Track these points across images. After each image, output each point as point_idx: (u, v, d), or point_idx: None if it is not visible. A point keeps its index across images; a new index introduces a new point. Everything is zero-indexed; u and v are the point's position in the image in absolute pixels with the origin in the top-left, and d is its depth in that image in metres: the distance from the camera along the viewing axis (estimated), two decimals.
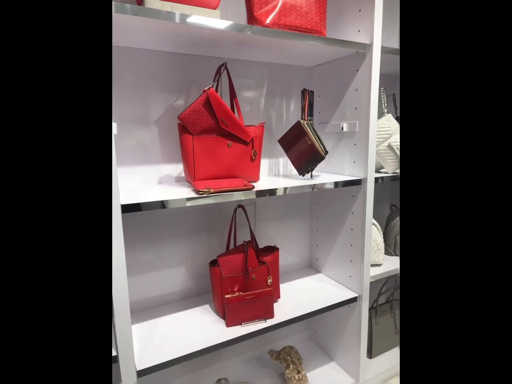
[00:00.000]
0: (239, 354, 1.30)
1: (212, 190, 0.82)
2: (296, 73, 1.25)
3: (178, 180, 1.08)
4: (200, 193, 0.81)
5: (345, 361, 1.25)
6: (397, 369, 1.32)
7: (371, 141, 1.04)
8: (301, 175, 1.08)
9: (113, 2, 0.65)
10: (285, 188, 0.93)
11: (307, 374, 1.24)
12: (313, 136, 1.02)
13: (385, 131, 1.17)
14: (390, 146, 1.17)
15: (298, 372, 1.13)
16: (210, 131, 0.92)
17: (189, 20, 0.74)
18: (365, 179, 1.07)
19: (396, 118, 1.40)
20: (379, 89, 1.27)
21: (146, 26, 0.76)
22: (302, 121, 1.04)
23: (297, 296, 1.14)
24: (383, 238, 1.37)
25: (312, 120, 1.06)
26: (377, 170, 1.28)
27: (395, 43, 1.44)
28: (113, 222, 0.69)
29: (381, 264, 1.27)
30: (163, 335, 0.92)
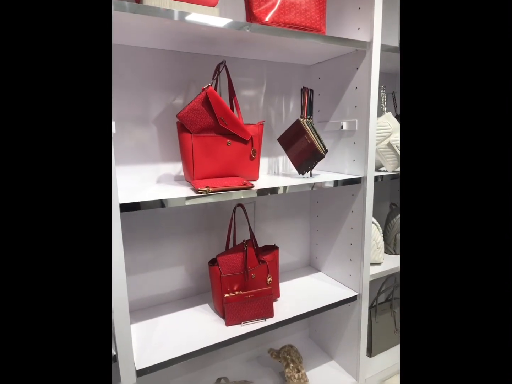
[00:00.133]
0: (238, 353, 1.30)
1: (211, 189, 0.82)
2: (295, 72, 1.25)
3: (177, 179, 1.08)
4: (199, 191, 0.81)
5: (345, 359, 1.25)
6: (397, 367, 1.32)
7: (370, 140, 1.03)
8: (301, 174, 1.07)
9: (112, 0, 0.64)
10: (285, 187, 0.92)
11: (307, 373, 1.24)
12: (312, 135, 1.01)
13: (385, 129, 1.17)
14: (390, 145, 1.17)
15: (298, 371, 1.13)
16: (209, 129, 0.92)
17: (188, 18, 0.74)
18: (364, 178, 1.06)
19: (396, 117, 1.40)
20: (379, 88, 1.26)
21: (144, 24, 0.76)
22: (301, 119, 1.04)
23: (296, 295, 1.14)
24: (383, 236, 1.37)
25: (311, 118, 1.06)
26: (377, 169, 1.28)
27: (395, 41, 1.44)
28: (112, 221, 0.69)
29: (381, 263, 1.27)
30: (163, 335, 0.92)
